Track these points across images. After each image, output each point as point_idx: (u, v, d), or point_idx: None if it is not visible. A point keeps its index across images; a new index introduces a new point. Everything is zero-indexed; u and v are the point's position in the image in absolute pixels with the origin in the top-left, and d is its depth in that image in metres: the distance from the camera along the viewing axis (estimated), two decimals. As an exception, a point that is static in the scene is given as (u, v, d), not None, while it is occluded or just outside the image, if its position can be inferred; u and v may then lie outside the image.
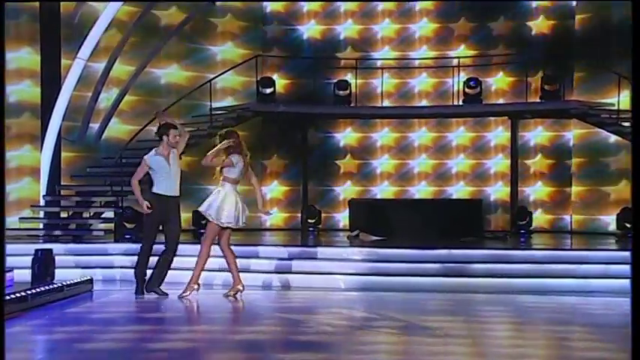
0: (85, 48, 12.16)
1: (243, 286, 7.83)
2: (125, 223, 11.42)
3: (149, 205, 7.75)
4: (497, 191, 14.89)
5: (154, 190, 7.93)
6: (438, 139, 15.19)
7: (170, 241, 7.92)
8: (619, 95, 12.72)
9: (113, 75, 13.13)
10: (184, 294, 7.75)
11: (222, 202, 7.73)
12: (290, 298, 8.23)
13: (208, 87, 13.50)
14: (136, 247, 10.43)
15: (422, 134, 15.24)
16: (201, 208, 7.80)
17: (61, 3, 12.23)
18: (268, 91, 13.90)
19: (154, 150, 8.02)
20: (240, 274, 7.94)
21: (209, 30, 14.75)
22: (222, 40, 14.91)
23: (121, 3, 12.46)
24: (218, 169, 7.84)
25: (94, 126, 13.21)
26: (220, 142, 7.78)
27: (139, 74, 13.50)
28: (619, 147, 13.73)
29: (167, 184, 7.88)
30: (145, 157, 7.95)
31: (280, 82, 14.99)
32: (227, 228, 7.80)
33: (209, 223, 7.78)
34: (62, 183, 12.37)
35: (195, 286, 7.81)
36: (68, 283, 7.87)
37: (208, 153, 7.81)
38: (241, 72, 14.59)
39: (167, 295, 7.83)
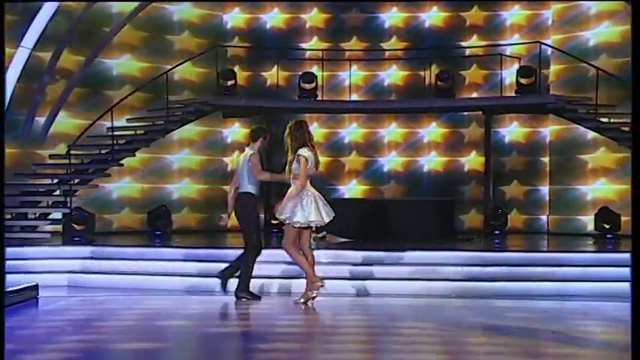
0: (29, 36, 11.94)
1: (321, 283, 7.46)
2: (74, 225, 11.26)
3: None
4: (471, 190, 14.98)
5: (251, 190, 7.81)
6: (408, 135, 15.25)
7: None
8: (597, 90, 12.88)
9: (61, 65, 12.91)
10: (311, 295, 7.46)
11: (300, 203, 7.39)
12: (248, 305, 8.17)
13: (164, 79, 13.36)
14: (86, 250, 10.31)
15: (392, 130, 15.28)
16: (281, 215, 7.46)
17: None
18: (229, 83, 13.82)
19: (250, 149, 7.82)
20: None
21: (165, 18, 14.60)
22: (180, 29, 14.77)
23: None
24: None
25: (40, 120, 12.98)
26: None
27: (89, 64, 13.30)
28: (597, 144, 13.92)
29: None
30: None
31: (241, 75, 14.91)
32: (307, 228, 7.48)
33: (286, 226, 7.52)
34: (5, 181, 12.12)
35: (319, 283, 7.49)
36: (11, 289, 7.71)
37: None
38: (200, 63, 14.47)
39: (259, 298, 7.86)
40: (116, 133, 12.86)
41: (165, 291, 8.95)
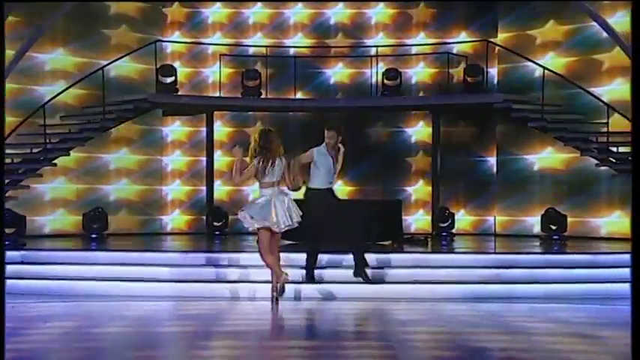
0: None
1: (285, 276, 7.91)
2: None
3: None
4: (418, 191, 15.16)
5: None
6: (355, 135, 15.32)
7: None
8: (543, 89, 13.17)
9: (-11, 59, 12.60)
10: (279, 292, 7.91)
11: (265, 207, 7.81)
12: (188, 309, 8.12)
13: (100, 75, 13.16)
14: (17, 254, 10.11)
15: (338, 129, 15.32)
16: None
17: None
18: (169, 80, 13.70)
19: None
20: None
21: (101, 10, 14.38)
22: (117, 23, 14.57)
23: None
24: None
25: (-33, 117, 12.65)
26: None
27: (20, 59, 13.00)
28: (544, 143, 14.24)
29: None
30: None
31: (182, 71, 14.80)
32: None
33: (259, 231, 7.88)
34: None
35: (285, 275, 7.92)
36: None
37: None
38: (138, 59, 14.31)
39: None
40: (49, 131, 12.63)
41: (101, 296, 8.82)
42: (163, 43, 14.56)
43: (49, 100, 12.79)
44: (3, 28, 4.18)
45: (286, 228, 7.88)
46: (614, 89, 13.48)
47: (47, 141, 12.54)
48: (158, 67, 13.84)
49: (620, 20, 12.83)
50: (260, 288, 8.72)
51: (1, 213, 4.13)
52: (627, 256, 10.50)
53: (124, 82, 14.42)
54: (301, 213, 7.97)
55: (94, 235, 12.58)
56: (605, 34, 12.52)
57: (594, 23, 12.53)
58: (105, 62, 13.55)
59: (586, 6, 11.97)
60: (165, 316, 7.88)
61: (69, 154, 12.98)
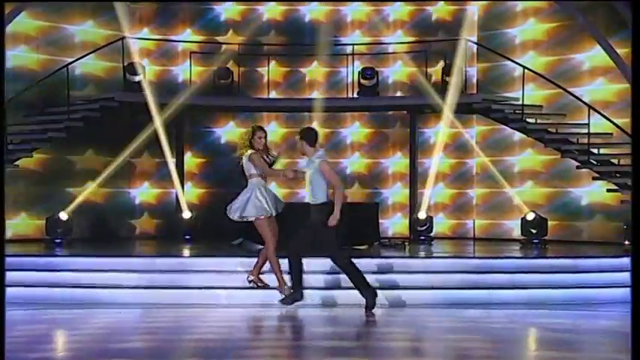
0: None
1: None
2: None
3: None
4: (395, 194, 15.16)
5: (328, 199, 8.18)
6: (330, 136, 15.31)
7: None
8: (523, 89, 13.22)
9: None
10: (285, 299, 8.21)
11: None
12: (156, 317, 8.02)
13: (65, 73, 12.99)
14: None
15: (313, 130, 15.28)
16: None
17: None
18: (137, 78, 13.57)
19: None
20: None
21: (65, 6, 14.19)
22: (82, 19, 14.40)
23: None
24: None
25: None
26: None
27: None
28: (524, 145, 14.29)
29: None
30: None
31: (151, 69, 14.66)
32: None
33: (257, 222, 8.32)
34: None
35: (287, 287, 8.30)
36: None
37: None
38: (105, 56, 14.15)
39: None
40: (11, 131, 12.44)
41: (67, 305, 8.68)
42: (131, 40, 14.40)
43: (11, 99, 12.59)
44: (3, 28, 4.07)
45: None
46: (595, 89, 13.58)
47: (9, 141, 12.34)
48: (125, 64, 13.69)
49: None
50: (235, 294, 8.65)
51: (1, 213, 3.96)
52: (610, 261, 10.62)
53: (91, 80, 14.25)
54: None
55: (57, 240, 12.41)
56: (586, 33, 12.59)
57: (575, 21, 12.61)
58: (69, 59, 13.37)
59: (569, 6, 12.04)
60: (132, 325, 7.76)
61: (32, 156, 12.80)
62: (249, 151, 8.33)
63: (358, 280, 8.14)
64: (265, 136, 8.45)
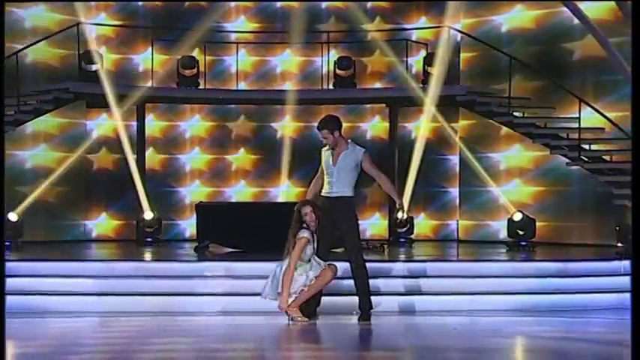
0: None
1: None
2: None
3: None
4: (373, 193, 15.18)
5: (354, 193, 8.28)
6: (303, 130, 15.31)
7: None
8: (510, 81, 13.30)
9: None
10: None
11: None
12: (112, 327, 7.98)
13: (15, 61, 12.89)
14: None
15: (285, 124, 15.30)
16: None
17: None
18: (93, 67, 13.51)
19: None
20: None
21: (16, -11, 14.09)
22: (33, 2, 14.27)
23: None
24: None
25: None
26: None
27: None
28: (510, 141, 14.37)
29: None
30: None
31: (109, 57, 14.59)
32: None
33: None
34: None
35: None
36: None
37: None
38: (58, 43, 14.05)
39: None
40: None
41: (16, 313, 8.60)
42: (87, 26, 14.30)
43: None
44: (3, 28, 4.49)
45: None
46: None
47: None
48: (81, 52, 13.61)
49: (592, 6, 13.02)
50: (204, 301, 8.63)
51: (2, 213, 4.26)
52: (600, 264, 10.71)
53: (43, 69, 14.14)
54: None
55: (6, 244, 12.30)
56: (576, 21, 12.69)
57: (565, 9, 12.70)
58: (19, 46, 13.27)
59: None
60: (88, 335, 7.72)
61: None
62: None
63: (365, 287, 8.08)
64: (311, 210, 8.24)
